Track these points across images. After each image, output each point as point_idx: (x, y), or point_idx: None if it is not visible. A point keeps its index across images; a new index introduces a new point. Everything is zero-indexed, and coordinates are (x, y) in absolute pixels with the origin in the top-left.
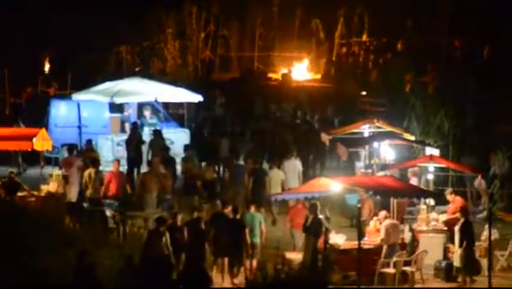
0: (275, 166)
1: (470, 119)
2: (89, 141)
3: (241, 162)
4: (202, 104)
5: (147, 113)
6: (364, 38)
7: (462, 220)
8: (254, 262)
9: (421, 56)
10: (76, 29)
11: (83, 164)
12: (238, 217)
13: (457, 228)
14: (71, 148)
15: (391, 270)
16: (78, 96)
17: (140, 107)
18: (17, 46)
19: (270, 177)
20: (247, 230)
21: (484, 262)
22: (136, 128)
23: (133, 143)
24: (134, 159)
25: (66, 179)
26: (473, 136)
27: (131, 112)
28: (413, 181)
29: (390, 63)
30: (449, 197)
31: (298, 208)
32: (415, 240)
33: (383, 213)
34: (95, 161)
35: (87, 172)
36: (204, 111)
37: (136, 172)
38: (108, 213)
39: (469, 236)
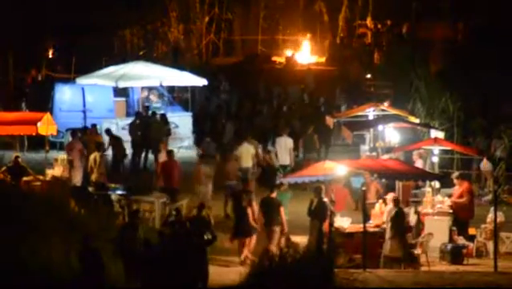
0: (246, 141)
1: (475, 101)
2: (94, 125)
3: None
4: (206, 88)
5: (153, 97)
6: (369, 21)
7: (394, 210)
8: (282, 240)
9: (425, 39)
10: (80, 12)
11: (86, 148)
12: (273, 195)
13: (389, 218)
14: (74, 132)
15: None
16: (82, 80)
17: (147, 90)
18: (20, 30)
19: (239, 152)
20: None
21: (490, 245)
22: (146, 112)
23: (141, 127)
24: (140, 143)
25: (71, 163)
26: (478, 118)
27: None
28: (419, 163)
29: (394, 45)
30: (456, 180)
31: (338, 187)
32: (420, 223)
33: (391, 195)
34: (100, 145)
35: (92, 156)
36: (208, 95)
37: (143, 157)
38: (114, 197)
39: (400, 225)
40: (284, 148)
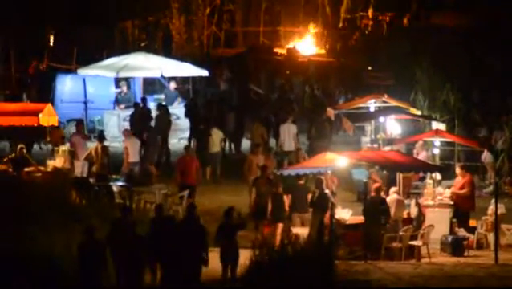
0: (215, 127)
1: (476, 93)
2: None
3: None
4: (208, 80)
5: (172, 85)
6: (370, 12)
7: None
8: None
9: (427, 29)
10: (82, 3)
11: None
12: (302, 182)
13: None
14: (77, 123)
15: (397, 244)
16: (83, 72)
17: (151, 81)
18: (21, 22)
19: (211, 137)
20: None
21: (490, 237)
22: (143, 104)
23: (140, 118)
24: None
25: (72, 154)
26: (479, 109)
27: (126, 91)
28: (422, 155)
29: (396, 36)
30: (460, 171)
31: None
32: (421, 214)
33: (393, 189)
34: (102, 136)
35: (93, 148)
36: (209, 87)
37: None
38: (115, 188)
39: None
40: (288, 135)
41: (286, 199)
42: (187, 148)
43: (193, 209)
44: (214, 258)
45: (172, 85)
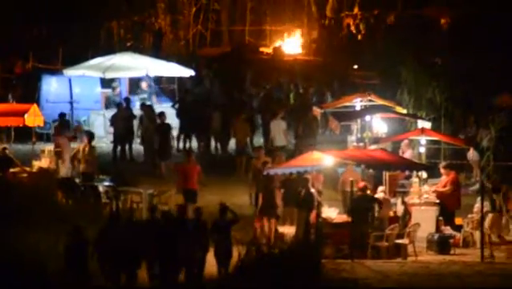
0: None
1: (462, 91)
2: None
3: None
4: (194, 79)
5: (144, 85)
6: (356, 11)
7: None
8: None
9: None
10: (67, 3)
11: None
12: (294, 177)
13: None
14: (60, 123)
15: (383, 243)
16: (69, 72)
17: (136, 81)
18: (6, 20)
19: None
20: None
21: (476, 235)
22: (126, 104)
23: (122, 118)
24: (123, 135)
25: (58, 155)
26: (465, 108)
27: (119, 91)
28: (408, 154)
29: (381, 35)
30: (443, 170)
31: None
32: (407, 213)
33: (380, 188)
34: (92, 135)
35: (81, 146)
36: (195, 86)
37: (127, 148)
38: (101, 188)
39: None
40: (278, 131)
41: (279, 194)
42: (188, 152)
43: (199, 213)
44: (209, 255)
45: (144, 84)
